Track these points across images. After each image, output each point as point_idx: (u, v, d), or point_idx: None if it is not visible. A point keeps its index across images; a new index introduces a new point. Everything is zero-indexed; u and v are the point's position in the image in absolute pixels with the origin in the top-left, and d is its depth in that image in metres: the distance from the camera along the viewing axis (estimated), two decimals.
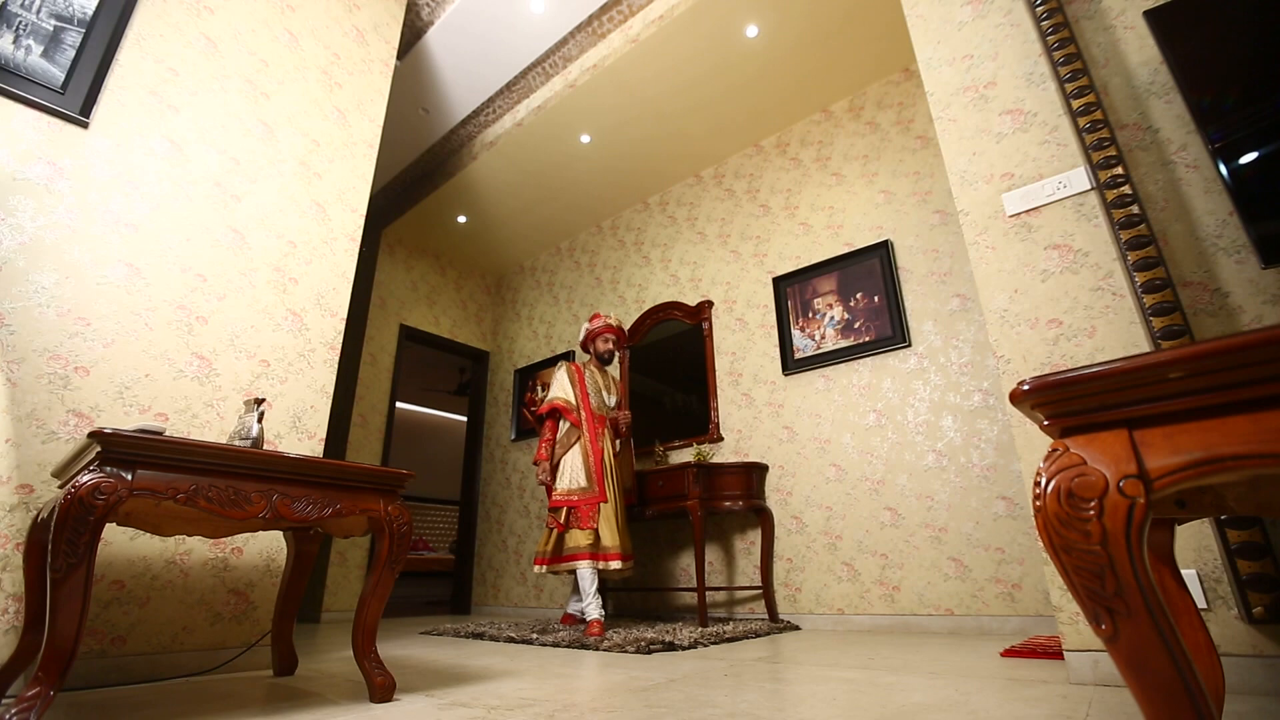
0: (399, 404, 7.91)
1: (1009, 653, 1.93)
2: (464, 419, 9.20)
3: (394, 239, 5.07)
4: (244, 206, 2.27)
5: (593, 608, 2.78)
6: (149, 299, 1.98)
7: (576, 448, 3.07)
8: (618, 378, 3.65)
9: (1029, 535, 2.54)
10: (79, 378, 1.80)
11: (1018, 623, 2.48)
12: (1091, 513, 0.58)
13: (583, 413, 3.12)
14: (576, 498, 2.96)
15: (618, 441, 3.29)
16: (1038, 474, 0.63)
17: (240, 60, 2.39)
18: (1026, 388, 0.66)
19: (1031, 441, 1.63)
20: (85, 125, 1.93)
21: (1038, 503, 0.61)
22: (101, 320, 1.87)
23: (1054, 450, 0.63)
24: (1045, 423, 0.65)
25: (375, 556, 1.56)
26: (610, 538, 2.88)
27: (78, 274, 1.85)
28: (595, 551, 2.86)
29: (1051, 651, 1.84)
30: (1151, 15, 1.56)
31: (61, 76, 1.91)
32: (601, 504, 2.95)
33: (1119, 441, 0.60)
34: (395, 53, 3.00)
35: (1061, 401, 0.64)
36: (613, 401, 3.28)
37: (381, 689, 1.44)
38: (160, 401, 1.94)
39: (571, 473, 3.02)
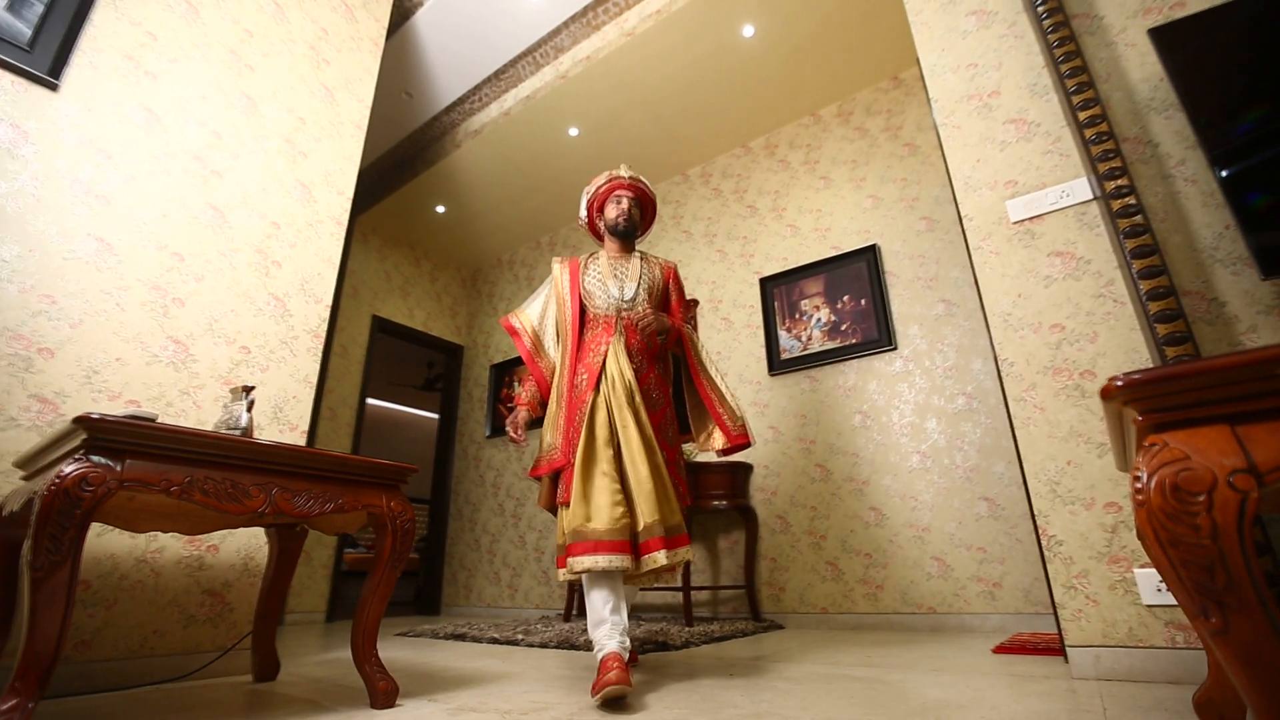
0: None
1: (1000, 649, 1.97)
2: (430, 415, 8.98)
3: (368, 227, 4.90)
4: (225, 183, 2.14)
5: (600, 631, 1.53)
6: (121, 277, 1.84)
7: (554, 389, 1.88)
8: (655, 263, 2.06)
9: (1009, 535, 2.62)
10: (43, 360, 1.65)
11: (998, 620, 2.55)
12: (1200, 506, 0.58)
13: (567, 320, 1.91)
14: (544, 461, 1.78)
15: (665, 362, 2.02)
16: (1135, 467, 0.63)
17: (223, 29, 2.25)
18: (1120, 384, 0.66)
19: (1035, 443, 1.67)
20: (54, 87, 1.78)
21: (1139, 497, 0.61)
22: (68, 298, 1.73)
23: (1152, 445, 0.63)
24: (1139, 418, 0.65)
25: (377, 555, 1.48)
26: (586, 515, 1.56)
27: (43, 247, 1.70)
28: (579, 541, 1.54)
29: (1042, 648, 1.89)
30: (1156, 33, 1.62)
31: (29, 33, 1.75)
32: (570, 464, 1.67)
33: (1223, 436, 0.60)
34: (385, 31, 2.89)
35: (1159, 397, 0.64)
36: (630, 293, 1.91)
37: (384, 694, 1.37)
38: (132, 388, 1.81)
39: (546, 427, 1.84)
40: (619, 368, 1.77)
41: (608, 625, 1.50)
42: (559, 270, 2.03)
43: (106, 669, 1.62)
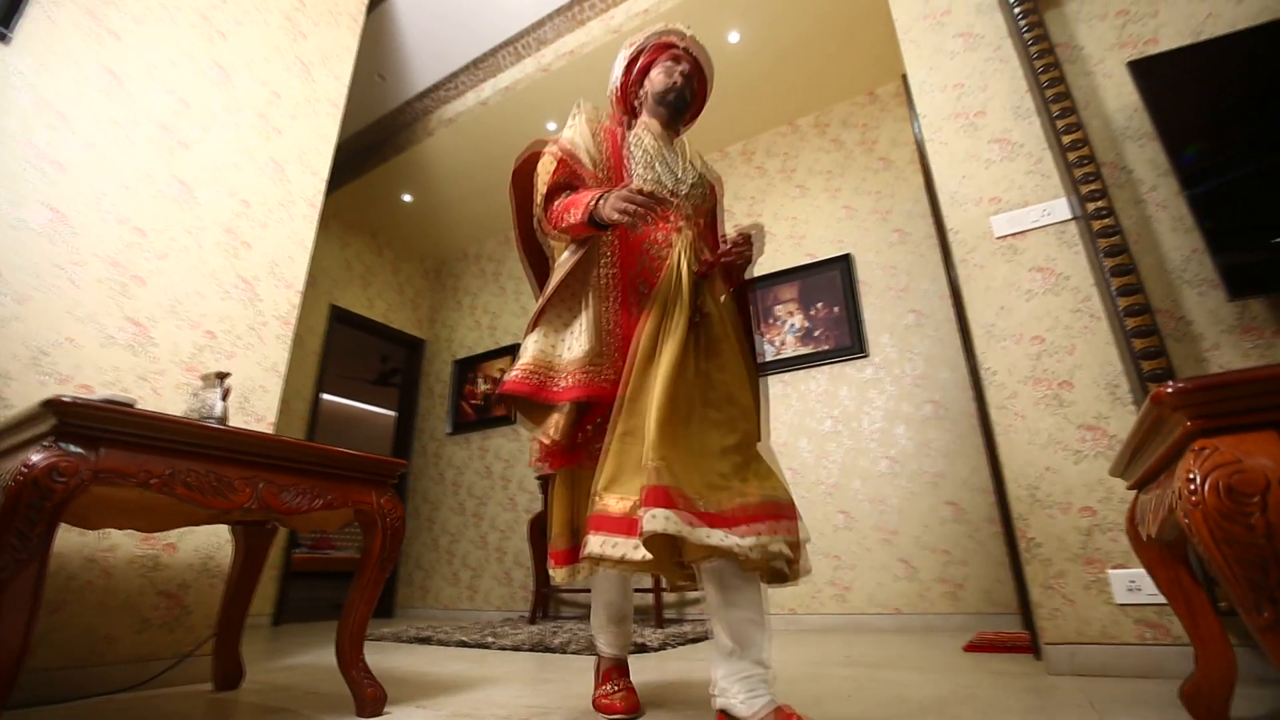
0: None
1: (970, 647, 2.04)
2: (382, 411, 8.67)
3: (329, 212, 4.67)
4: (193, 156, 2.00)
5: (602, 639, 1.39)
6: (76, 251, 1.69)
7: (585, 261, 1.32)
8: (707, 167, 1.55)
9: (973, 538, 2.72)
10: None
11: (960, 620, 2.65)
12: (1255, 507, 0.61)
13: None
14: (540, 378, 1.25)
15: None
16: (1187, 469, 0.65)
17: None
18: (1171, 390, 0.69)
19: (1015, 450, 1.73)
20: (5, 39, 1.62)
21: (1194, 497, 0.64)
22: (15, 271, 1.57)
23: (1203, 449, 0.66)
24: (1188, 423, 0.68)
25: (365, 554, 1.40)
26: (631, 474, 1.08)
27: None
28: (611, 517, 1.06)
29: (1010, 646, 1.97)
30: (1135, 65, 1.72)
31: None
32: (624, 399, 1.15)
33: (1270, 441, 0.63)
34: (365, 8, 2.77)
35: (1209, 403, 0.67)
36: (687, 184, 1.40)
37: (373, 701, 1.30)
38: (85, 371, 1.66)
39: (575, 330, 1.30)
40: (676, 273, 1.26)
41: (614, 634, 1.39)
42: (594, 121, 1.42)
43: (52, 678, 1.48)
